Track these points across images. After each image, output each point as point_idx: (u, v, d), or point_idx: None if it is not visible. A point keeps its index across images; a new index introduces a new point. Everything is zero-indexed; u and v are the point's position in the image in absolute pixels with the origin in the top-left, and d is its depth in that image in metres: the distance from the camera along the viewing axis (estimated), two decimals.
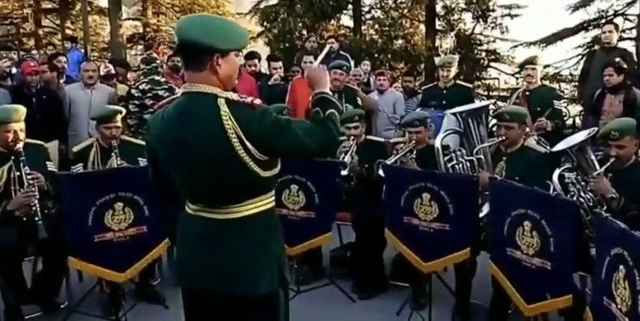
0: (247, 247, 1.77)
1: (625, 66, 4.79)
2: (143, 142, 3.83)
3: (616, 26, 5.76)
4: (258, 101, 1.70)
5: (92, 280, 3.42)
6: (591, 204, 2.84)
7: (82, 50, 10.09)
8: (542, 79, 5.17)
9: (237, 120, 1.65)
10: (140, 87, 5.05)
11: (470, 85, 5.92)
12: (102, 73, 5.64)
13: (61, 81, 5.60)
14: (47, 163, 3.44)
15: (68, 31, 14.28)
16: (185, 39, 1.67)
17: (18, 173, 3.18)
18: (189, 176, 1.75)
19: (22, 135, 3.24)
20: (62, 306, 3.38)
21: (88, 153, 3.63)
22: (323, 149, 1.81)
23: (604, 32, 5.61)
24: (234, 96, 1.70)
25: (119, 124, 3.63)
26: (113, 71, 5.81)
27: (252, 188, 1.77)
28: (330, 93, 1.90)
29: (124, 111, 3.84)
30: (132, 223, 3.13)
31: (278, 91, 5.42)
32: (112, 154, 3.52)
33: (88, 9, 12.87)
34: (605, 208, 2.80)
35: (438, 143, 3.32)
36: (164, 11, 15.36)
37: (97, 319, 3.24)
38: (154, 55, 5.35)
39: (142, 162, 3.60)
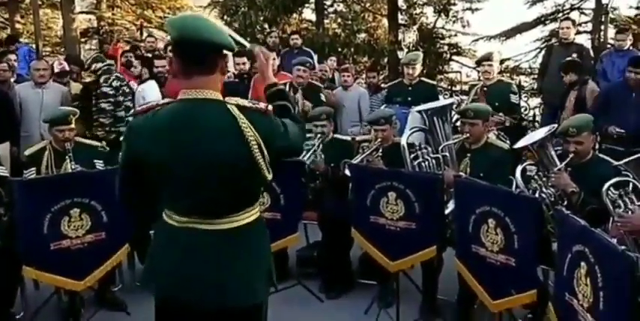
0: (245, 255, 1.72)
1: (578, 62, 4.92)
2: (98, 143, 3.77)
3: (573, 22, 5.91)
4: (270, 107, 1.69)
5: (49, 289, 3.29)
6: (553, 199, 2.89)
7: (33, 45, 9.67)
8: (501, 72, 5.28)
9: (255, 126, 1.62)
10: (113, 84, 4.91)
11: (434, 82, 5.97)
12: (56, 70, 5.41)
13: (12, 80, 5.34)
14: None
15: (18, 26, 13.69)
16: (200, 38, 1.58)
17: None
18: (190, 185, 1.65)
19: None
20: (18, 317, 3.24)
21: (41, 156, 3.49)
22: (301, 146, 1.90)
23: (562, 28, 5.74)
24: (244, 102, 1.66)
25: (72, 125, 3.49)
26: (67, 68, 5.56)
27: (254, 195, 1.76)
28: (279, 83, 1.91)
29: (78, 112, 3.69)
30: (89, 230, 3.01)
31: (231, 89, 5.30)
32: (66, 157, 3.38)
33: (39, 2, 12.33)
34: (565, 203, 2.86)
35: (404, 141, 3.32)
36: (119, 4, 14.86)
37: None
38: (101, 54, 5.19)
39: (99, 164, 3.49)
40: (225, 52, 1.68)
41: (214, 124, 1.61)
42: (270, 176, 1.70)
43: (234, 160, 1.62)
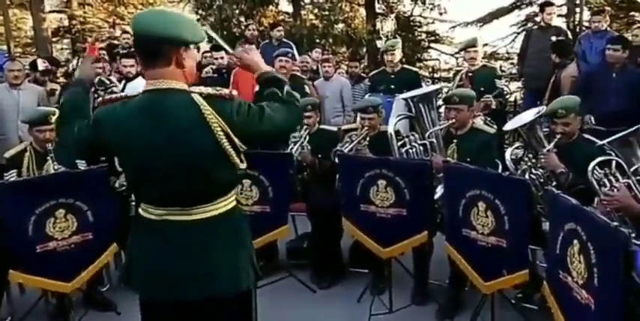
0: (223, 245, 1.73)
1: (563, 43, 4.97)
2: None
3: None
4: (235, 92, 1.69)
5: (35, 292, 3.21)
6: (542, 180, 2.91)
7: (3, 47, 9.46)
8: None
9: (220, 114, 1.62)
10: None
11: (417, 69, 5.96)
12: (40, 68, 5.40)
13: None
14: None
15: None
16: (151, 33, 1.60)
17: None
18: (162, 177, 1.65)
19: None
20: None
21: (22, 158, 3.41)
22: (291, 128, 1.86)
23: (549, 14, 5.72)
24: (208, 90, 1.66)
25: (52, 126, 3.40)
26: (49, 67, 5.53)
27: (227, 184, 1.76)
28: (272, 69, 1.92)
29: (57, 112, 3.60)
30: (75, 231, 2.97)
31: (211, 84, 5.22)
32: (48, 158, 3.30)
33: (7, 2, 12.01)
34: (554, 183, 2.88)
35: (391, 129, 3.32)
36: (90, 2, 14.57)
37: None
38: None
39: (81, 165, 3.41)
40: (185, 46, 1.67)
41: (178, 113, 1.62)
42: (242, 165, 1.71)
43: (201, 149, 1.63)
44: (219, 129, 1.61)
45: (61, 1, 14.60)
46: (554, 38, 5.30)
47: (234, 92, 1.68)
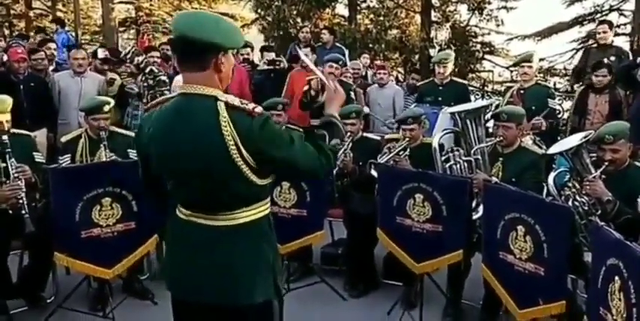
0: (242, 255, 1.72)
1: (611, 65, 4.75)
2: (132, 134, 3.83)
3: (610, 25, 5.66)
4: (259, 109, 1.65)
5: (79, 275, 3.34)
6: (586, 208, 2.81)
7: (72, 33, 9.91)
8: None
9: (236, 126, 1.60)
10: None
11: (465, 82, 5.87)
12: (100, 56, 5.61)
13: (50, 68, 5.47)
14: (35, 154, 3.36)
15: (59, 14, 14.00)
16: (191, 37, 1.60)
17: (4, 164, 3.09)
18: (183, 180, 1.70)
19: (7, 126, 3.16)
20: (48, 301, 3.33)
21: (77, 144, 3.55)
22: (314, 175, 1.81)
23: (599, 33, 5.51)
24: (235, 101, 1.64)
25: (107, 115, 3.54)
26: (109, 56, 5.77)
27: (247, 196, 1.72)
28: (338, 117, 1.91)
29: (113, 101, 3.75)
30: (120, 219, 3.08)
31: (267, 83, 5.29)
32: (101, 145, 3.44)
33: None
34: (599, 212, 2.78)
35: (435, 143, 3.27)
36: None
37: (84, 314, 3.20)
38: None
39: (132, 154, 3.52)
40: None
41: (198, 119, 1.62)
42: (261, 181, 1.68)
43: (215, 156, 1.61)
44: (231, 141, 1.59)
45: None
46: (613, 58, 5.09)
47: (258, 109, 1.64)
